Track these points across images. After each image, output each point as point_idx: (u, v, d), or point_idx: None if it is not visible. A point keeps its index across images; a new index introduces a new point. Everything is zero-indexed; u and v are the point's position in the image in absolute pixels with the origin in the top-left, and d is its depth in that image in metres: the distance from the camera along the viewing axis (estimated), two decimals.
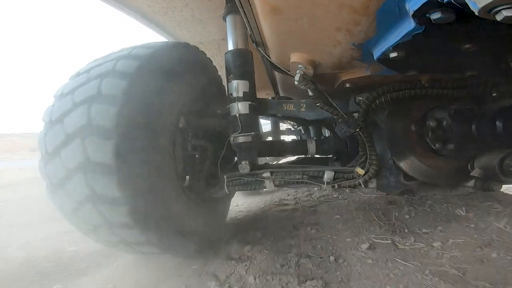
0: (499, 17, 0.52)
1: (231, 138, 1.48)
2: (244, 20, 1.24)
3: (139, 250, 1.26)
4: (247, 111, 1.46)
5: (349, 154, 1.77)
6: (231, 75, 1.48)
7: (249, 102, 1.47)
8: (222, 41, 2.17)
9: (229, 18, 1.51)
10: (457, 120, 1.27)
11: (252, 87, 1.51)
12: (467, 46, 0.90)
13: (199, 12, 1.83)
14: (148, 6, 1.78)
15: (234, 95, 1.46)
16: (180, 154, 1.40)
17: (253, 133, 1.47)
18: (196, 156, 1.50)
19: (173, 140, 1.32)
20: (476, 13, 0.55)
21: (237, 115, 1.46)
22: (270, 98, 3.41)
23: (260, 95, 3.19)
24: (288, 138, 4.70)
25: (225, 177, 1.50)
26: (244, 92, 1.46)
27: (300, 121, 2.96)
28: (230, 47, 1.50)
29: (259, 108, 1.58)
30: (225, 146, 1.53)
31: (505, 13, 0.51)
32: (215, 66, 1.75)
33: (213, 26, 1.98)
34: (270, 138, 4.04)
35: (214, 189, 1.54)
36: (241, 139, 1.45)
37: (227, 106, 1.51)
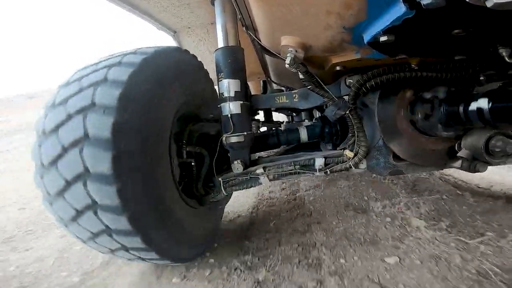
0: (489, 4, 0.53)
1: (223, 138, 1.47)
2: (234, 4, 1.22)
3: (138, 257, 1.25)
4: (239, 111, 1.45)
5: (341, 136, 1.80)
6: (222, 73, 1.45)
7: (241, 102, 1.46)
8: (211, 25, 2.12)
9: (217, 2, 1.47)
10: (445, 102, 1.29)
11: (244, 85, 1.49)
12: (456, 31, 0.91)
13: None
14: None
15: (225, 94, 1.44)
16: (176, 159, 1.39)
17: (245, 133, 1.46)
18: (192, 163, 1.49)
19: (169, 146, 1.30)
20: None
21: (229, 115, 1.44)
22: (261, 81, 3.39)
23: (251, 78, 3.17)
24: (279, 115, 4.71)
25: (220, 179, 1.50)
26: (235, 92, 1.44)
27: (294, 111, 2.96)
28: (219, 31, 1.47)
29: (251, 106, 1.57)
30: (218, 147, 1.52)
31: None
32: (207, 70, 1.72)
33: (201, 10, 1.93)
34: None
35: (212, 193, 1.55)
36: (233, 139, 1.45)
37: (218, 106, 1.49)
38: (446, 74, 1.24)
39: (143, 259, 1.26)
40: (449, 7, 0.65)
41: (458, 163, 1.35)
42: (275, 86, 2.96)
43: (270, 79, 2.54)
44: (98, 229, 1.09)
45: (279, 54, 1.29)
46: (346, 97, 1.45)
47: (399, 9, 0.77)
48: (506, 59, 1.00)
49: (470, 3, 0.56)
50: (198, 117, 1.61)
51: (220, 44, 1.49)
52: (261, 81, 3.35)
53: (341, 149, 1.53)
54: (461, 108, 1.18)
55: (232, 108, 1.44)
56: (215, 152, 1.55)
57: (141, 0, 1.77)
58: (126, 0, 1.76)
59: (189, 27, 2.14)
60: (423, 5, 0.66)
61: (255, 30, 1.32)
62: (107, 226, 1.07)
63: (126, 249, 1.17)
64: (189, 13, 1.96)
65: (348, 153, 1.46)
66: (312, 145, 2.18)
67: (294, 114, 3.69)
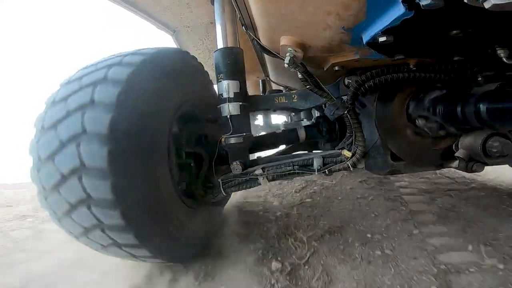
0: (487, 5, 0.53)
1: (222, 139, 1.47)
2: (233, 3, 1.22)
3: (134, 257, 1.26)
4: (238, 112, 1.45)
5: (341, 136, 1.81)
6: (221, 74, 1.46)
7: (240, 103, 1.46)
8: (211, 25, 2.12)
9: (217, 2, 1.47)
10: (443, 103, 1.30)
11: (243, 86, 1.49)
12: (454, 32, 0.91)
13: None
14: None
15: (225, 95, 1.45)
16: (175, 160, 1.40)
17: (244, 134, 1.46)
18: (192, 164, 1.49)
19: (168, 146, 1.31)
20: (465, 0, 0.56)
21: (228, 116, 1.45)
22: (260, 81, 3.39)
23: (250, 78, 3.18)
24: (278, 117, 4.74)
25: (220, 180, 1.50)
26: (234, 93, 1.45)
27: (292, 110, 2.97)
28: (219, 31, 1.47)
29: (250, 107, 1.57)
30: (217, 148, 1.52)
31: (494, 1, 0.52)
32: (206, 71, 1.72)
33: (201, 10, 1.93)
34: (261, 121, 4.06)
35: (211, 193, 1.55)
36: (232, 140, 1.45)
37: (218, 107, 1.49)
38: (444, 75, 1.25)
39: (135, 257, 1.26)
40: (448, 8, 0.66)
41: (455, 163, 1.36)
42: (274, 86, 2.96)
43: (269, 78, 2.55)
44: (91, 224, 1.10)
45: (278, 54, 1.30)
46: (345, 97, 1.45)
47: (398, 10, 0.77)
48: (504, 60, 1.01)
49: (468, 4, 0.56)
50: (197, 117, 1.61)
51: (220, 44, 1.49)
52: (260, 81, 3.35)
53: (339, 149, 1.54)
54: (458, 109, 1.19)
55: (231, 109, 1.44)
56: (214, 153, 1.55)
57: None
58: (127, 0, 1.75)
59: (188, 27, 2.14)
60: (422, 6, 0.67)
61: (254, 29, 1.32)
62: (100, 221, 1.08)
63: (119, 246, 1.17)
64: (188, 12, 1.96)
65: (346, 153, 1.47)
66: (311, 145, 2.18)
67: (293, 113, 3.70)
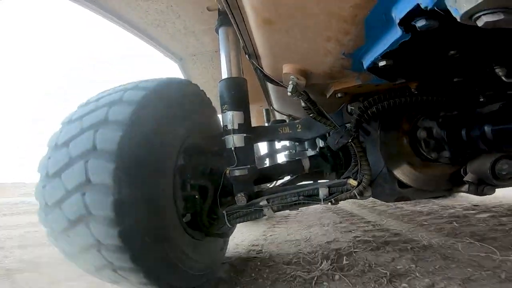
0: (480, 23, 0.54)
1: (227, 171, 1.46)
2: (237, 32, 1.26)
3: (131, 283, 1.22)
4: (243, 144, 1.45)
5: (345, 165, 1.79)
6: (226, 105, 1.48)
7: (244, 134, 1.47)
8: (215, 53, 2.18)
9: (221, 30, 1.52)
10: (447, 126, 1.29)
11: (247, 117, 1.50)
12: (452, 52, 0.93)
13: (192, 24, 1.86)
14: (140, 18, 1.82)
15: (229, 127, 1.45)
16: (180, 192, 1.39)
17: (249, 166, 1.46)
18: (196, 196, 1.49)
19: (173, 180, 1.31)
20: (459, 20, 0.56)
21: (233, 148, 1.45)
22: (264, 110, 3.42)
23: (254, 107, 3.22)
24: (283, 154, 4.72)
25: (224, 212, 1.49)
26: (239, 124, 1.45)
27: (297, 141, 2.97)
28: (223, 60, 1.51)
29: (254, 138, 1.57)
30: (221, 180, 1.52)
31: (486, 18, 0.53)
32: (210, 100, 1.74)
33: (206, 38, 2.01)
34: (267, 160, 4.06)
35: (216, 224, 1.53)
36: (237, 173, 1.44)
37: (222, 138, 1.50)
38: (446, 97, 1.26)
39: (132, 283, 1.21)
40: (443, 28, 0.67)
41: (465, 187, 1.32)
42: (277, 115, 2.98)
43: (273, 107, 2.57)
44: (101, 264, 1.09)
45: (281, 82, 1.32)
46: (348, 125, 1.45)
47: (396, 33, 0.79)
48: (503, 78, 1.01)
49: (463, 24, 0.57)
50: (203, 149, 1.60)
51: (224, 74, 1.52)
52: (264, 110, 3.38)
53: (345, 178, 1.51)
54: (463, 132, 1.18)
55: (235, 141, 1.44)
56: (219, 184, 1.54)
57: (149, 26, 1.87)
58: (135, 26, 1.84)
59: (194, 55, 2.21)
60: (418, 27, 0.68)
61: (257, 58, 1.35)
62: (110, 263, 1.07)
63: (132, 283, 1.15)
64: (194, 40, 2.03)
65: (352, 181, 1.43)
66: (316, 175, 2.16)
67: (297, 143, 3.69)
